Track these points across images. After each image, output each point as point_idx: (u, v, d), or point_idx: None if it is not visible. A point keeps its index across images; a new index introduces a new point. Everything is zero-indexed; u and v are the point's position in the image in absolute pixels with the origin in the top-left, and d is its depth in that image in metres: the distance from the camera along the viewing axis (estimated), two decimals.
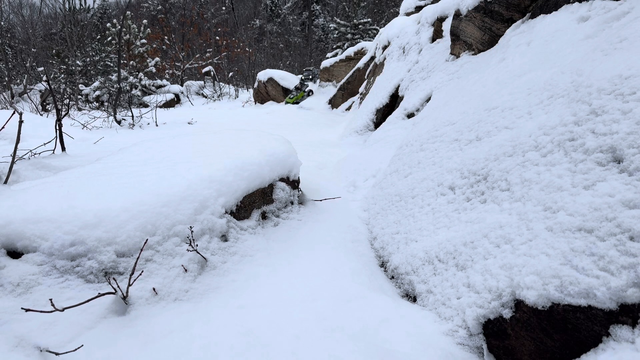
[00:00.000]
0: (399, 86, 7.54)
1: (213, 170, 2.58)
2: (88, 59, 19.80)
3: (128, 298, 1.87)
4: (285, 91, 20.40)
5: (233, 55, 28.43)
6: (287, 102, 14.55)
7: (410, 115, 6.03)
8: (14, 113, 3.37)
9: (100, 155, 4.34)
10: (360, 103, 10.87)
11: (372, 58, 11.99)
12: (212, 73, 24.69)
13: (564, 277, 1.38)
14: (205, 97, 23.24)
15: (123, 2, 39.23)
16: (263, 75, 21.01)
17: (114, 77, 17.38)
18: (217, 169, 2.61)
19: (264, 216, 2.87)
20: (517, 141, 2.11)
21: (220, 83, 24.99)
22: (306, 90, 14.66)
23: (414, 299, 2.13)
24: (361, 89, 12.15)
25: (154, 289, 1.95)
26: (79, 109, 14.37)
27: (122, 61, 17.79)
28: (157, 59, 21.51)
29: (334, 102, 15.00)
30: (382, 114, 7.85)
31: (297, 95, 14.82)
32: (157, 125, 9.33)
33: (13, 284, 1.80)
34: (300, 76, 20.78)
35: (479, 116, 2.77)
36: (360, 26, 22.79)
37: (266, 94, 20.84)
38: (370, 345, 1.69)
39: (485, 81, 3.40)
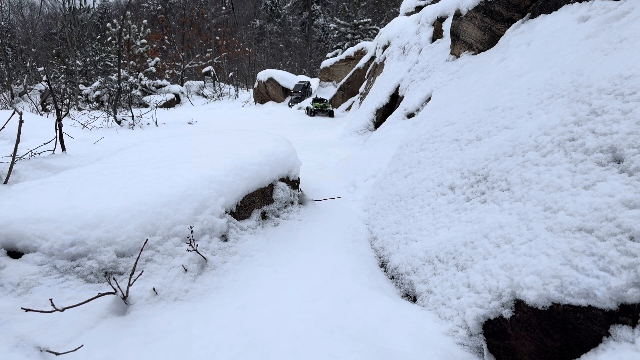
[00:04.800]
0: (399, 86, 7.54)
1: (213, 170, 2.58)
2: (88, 59, 19.81)
3: (128, 298, 1.87)
4: (285, 91, 20.26)
5: (233, 55, 28.44)
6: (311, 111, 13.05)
7: (410, 115, 6.03)
8: (14, 113, 3.37)
9: (100, 155, 4.35)
10: (360, 103, 10.87)
11: (372, 58, 12.00)
12: (212, 73, 24.70)
13: (564, 277, 1.38)
14: (206, 97, 23.25)
15: (123, 2, 39.24)
16: (263, 75, 21.02)
17: (114, 77, 17.38)
18: (218, 169, 2.61)
19: (264, 216, 2.87)
20: (517, 141, 2.11)
21: (220, 83, 25.00)
22: (329, 109, 13.07)
23: (414, 299, 2.13)
24: (361, 89, 12.15)
25: (154, 289, 1.95)
26: (79, 109, 14.38)
27: (122, 61, 17.80)
28: (157, 59, 21.51)
29: (334, 102, 14.99)
30: (382, 114, 7.85)
31: (319, 105, 13.09)
32: (157, 125, 9.33)
33: (13, 284, 1.80)
34: (299, 77, 20.34)
35: (479, 116, 2.77)
36: (360, 26, 22.80)
37: (266, 94, 20.83)
38: (370, 345, 1.69)
39: (485, 81, 3.40)
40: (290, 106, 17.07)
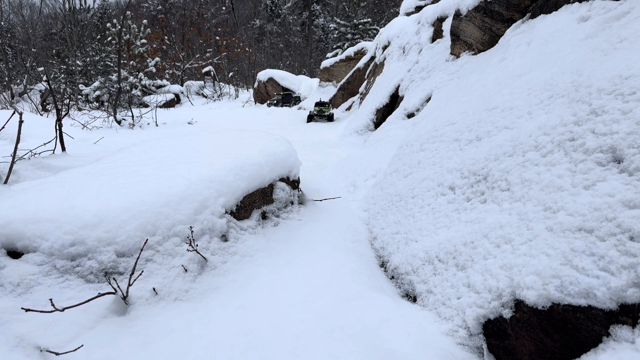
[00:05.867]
0: (399, 86, 7.55)
1: (213, 170, 2.58)
2: (88, 59, 19.81)
3: (128, 298, 1.87)
4: (286, 91, 20.28)
5: (233, 55, 28.46)
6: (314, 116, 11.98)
7: (410, 115, 6.03)
8: (14, 113, 3.37)
9: (100, 155, 4.34)
10: (361, 103, 10.86)
11: (372, 58, 12.00)
12: (212, 73, 24.72)
13: (564, 277, 1.38)
14: (205, 97, 23.26)
15: (123, 2, 39.25)
16: (263, 75, 21.03)
17: (114, 77, 17.38)
18: (218, 169, 2.61)
19: (264, 216, 2.87)
20: (517, 141, 2.11)
21: (220, 83, 25.01)
22: (327, 113, 11.95)
23: (414, 299, 2.13)
24: (361, 89, 12.15)
25: (154, 289, 1.95)
26: (79, 109, 14.38)
27: (122, 61, 17.80)
28: (157, 59, 21.53)
29: (334, 102, 14.99)
30: (382, 114, 7.86)
31: (322, 109, 12.05)
32: (157, 125, 9.33)
33: (13, 284, 1.80)
34: (299, 78, 20.40)
35: (479, 116, 2.77)
36: (360, 26, 22.80)
37: (266, 93, 20.84)
38: (370, 345, 1.69)
39: (485, 81, 3.40)
40: (268, 106, 17.38)
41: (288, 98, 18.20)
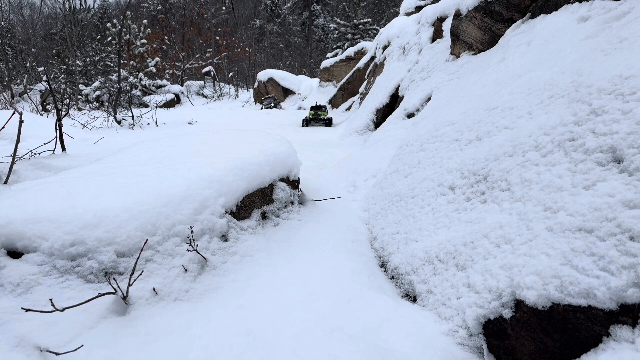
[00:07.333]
0: (399, 86, 7.55)
1: (213, 170, 2.58)
2: (88, 59, 19.81)
3: (128, 298, 1.87)
4: (286, 91, 20.34)
5: (233, 55, 28.47)
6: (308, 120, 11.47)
7: (410, 115, 6.03)
8: (14, 113, 3.37)
9: (100, 155, 4.34)
10: (360, 103, 10.86)
11: (372, 58, 12.00)
12: (212, 73, 24.72)
13: (564, 277, 1.38)
14: (206, 97, 23.26)
15: (123, 2, 39.25)
16: (263, 75, 21.03)
17: (114, 77, 17.38)
18: (217, 169, 2.61)
19: (264, 216, 2.87)
20: (517, 141, 2.11)
21: (221, 83, 25.02)
22: (323, 117, 11.38)
23: (414, 299, 2.13)
24: (361, 89, 12.15)
25: (154, 289, 1.95)
26: (79, 109, 14.39)
27: (122, 61, 17.79)
28: (157, 59, 21.53)
29: (334, 102, 14.99)
30: (382, 114, 7.86)
31: (317, 113, 11.61)
32: (157, 125, 9.34)
33: (13, 284, 1.80)
34: (299, 78, 20.48)
35: (479, 116, 2.77)
36: (360, 26, 22.81)
37: (266, 93, 20.83)
38: (370, 345, 1.69)
39: (485, 81, 3.40)
40: (261, 109, 17.47)
41: (269, 102, 18.34)
